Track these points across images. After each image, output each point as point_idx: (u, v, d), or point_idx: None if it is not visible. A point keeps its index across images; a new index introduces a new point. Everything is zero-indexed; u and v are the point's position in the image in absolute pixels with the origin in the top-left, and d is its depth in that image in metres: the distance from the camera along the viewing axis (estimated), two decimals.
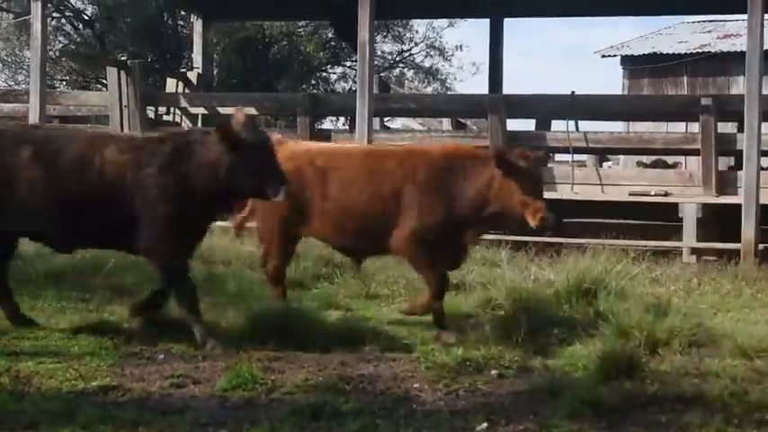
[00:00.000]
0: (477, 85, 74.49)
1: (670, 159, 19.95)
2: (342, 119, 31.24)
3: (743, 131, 15.10)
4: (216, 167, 8.16)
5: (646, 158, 19.70)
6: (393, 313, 9.88)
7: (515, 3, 21.96)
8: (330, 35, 34.99)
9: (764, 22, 14.78)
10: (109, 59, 25.37)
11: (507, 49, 23.49)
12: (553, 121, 18.45)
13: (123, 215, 8.29)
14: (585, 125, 18.40)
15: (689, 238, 15.31)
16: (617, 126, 23.69)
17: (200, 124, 20.35)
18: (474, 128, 20.31)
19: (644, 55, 32.54)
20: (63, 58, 33.55)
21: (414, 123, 21.09)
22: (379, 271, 11.89)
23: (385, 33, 37.61)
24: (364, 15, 16.06)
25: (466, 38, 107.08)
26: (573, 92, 16.97)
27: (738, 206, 14.72)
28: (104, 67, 22.46)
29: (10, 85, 34.74)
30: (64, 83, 35.42)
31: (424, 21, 38.07)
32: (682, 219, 15.44)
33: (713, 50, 31.43)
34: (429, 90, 38.68)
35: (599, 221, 15.63)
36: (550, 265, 11.71)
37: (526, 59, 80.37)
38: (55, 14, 32.97)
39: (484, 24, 23.69)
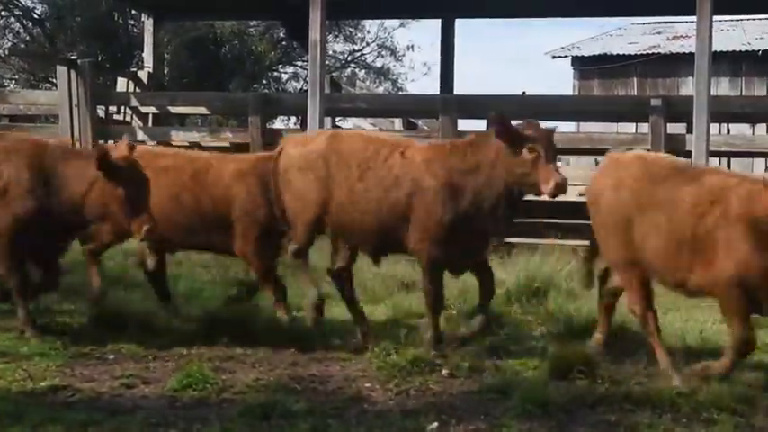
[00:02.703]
0: (429, 85, 74.61)
1: None
2: (293, 118, 31.19)
3: (692, 132, 15.21)
4: None
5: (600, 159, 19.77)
6: (344, 313, 9.87)
7: (466, 4, 21.97)
8: (281, 35, 34.94)
9: (713, 24, 14.92)
10: (59, 58, 25.05)
11: (458, 50, 23.52)
12: None
13: None
14: None
15: None
16: (568, 126, 23.81)
17: (150, 124, 20.25)
18: (425, 128, 20.30)
19: (594, 56, 32.74)
20: (12, 57, 33.25)
21: (365, 123, 21.07)
22: None
23: (336, 33, 37.60)
24: (315, 15, 16.02)
25: (417, 38, 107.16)
26: (524, 92, 17.04)
27: None
28: (54, 66, 22.26)
29: None
30: (13, 82, 35.10)
31: (376, 21, 38.14)
32: None
33: (663, 52, 31.69)
34: (380, 90, 38.71)
35: (549, 221, 15.66)
36: (501, 265, 11.69)
37: (477, 60, 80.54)
38: (3, 12, 32.72)
39: (435, 25, 23.76)
